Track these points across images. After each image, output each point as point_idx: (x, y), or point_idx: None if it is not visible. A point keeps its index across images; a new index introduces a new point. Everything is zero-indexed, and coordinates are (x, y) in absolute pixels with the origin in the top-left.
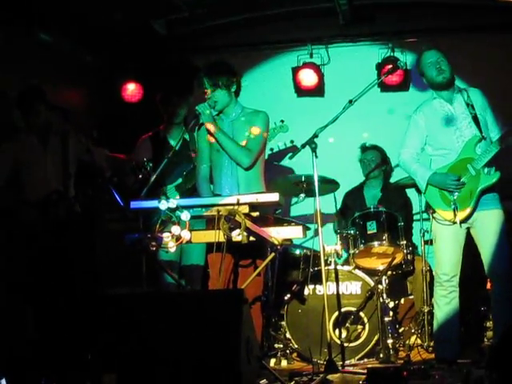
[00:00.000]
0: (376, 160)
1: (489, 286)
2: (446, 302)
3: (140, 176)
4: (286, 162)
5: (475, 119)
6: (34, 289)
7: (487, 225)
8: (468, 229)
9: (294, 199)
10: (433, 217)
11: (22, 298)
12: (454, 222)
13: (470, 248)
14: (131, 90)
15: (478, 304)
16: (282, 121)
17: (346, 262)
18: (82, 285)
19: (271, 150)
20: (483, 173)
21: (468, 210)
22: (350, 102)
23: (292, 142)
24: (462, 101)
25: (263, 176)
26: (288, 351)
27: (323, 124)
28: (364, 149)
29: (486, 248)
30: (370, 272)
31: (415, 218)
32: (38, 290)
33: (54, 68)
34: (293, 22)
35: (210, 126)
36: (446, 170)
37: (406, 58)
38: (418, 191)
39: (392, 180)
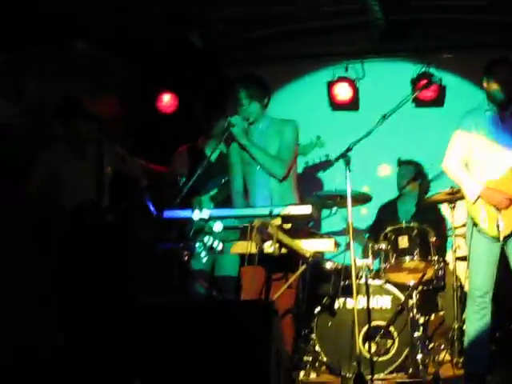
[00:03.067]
0: (409, 175)
1: None
2: (477, 318)
3: (177, 188)
4: (320, 175)
5: None
6: (65, 297)
7: None
8: (503, 245)
9: (327, 212)
10: (472, 230)
11: (52, 305)
12: (498, 239)
13: (503, 264)
14: (166, 100)
15: (509, 321)
16: (319, 137)
17: (377, 276)
18: (113, 294)
19: (306, 163)
20: None
21: (510, 229)
22: (384, 116)
23: (327, 156)
24: None
25: (296, 188)
26: (317, 364)
27: (357, 138)
28: (399, 163)
29: None
30: (401, 287)
31: (448, 233)
32: (70, 298)
33: (90, 78)
34: (328, 36)
35: (242, 139)
36: (492, 186)
37: (441, 74)
38: (451, 207)
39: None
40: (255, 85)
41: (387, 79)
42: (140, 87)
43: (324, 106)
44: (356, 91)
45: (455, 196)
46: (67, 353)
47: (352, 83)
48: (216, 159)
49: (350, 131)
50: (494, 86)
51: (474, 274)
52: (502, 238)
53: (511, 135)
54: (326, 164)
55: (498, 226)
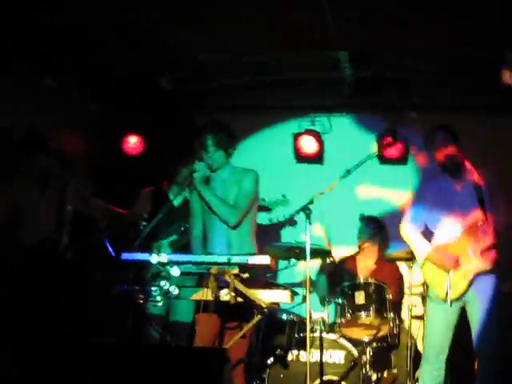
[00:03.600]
0: (369, 232)
1: (476, 365)
2: (431, 378)
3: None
4: (283, 232)
5: (481, 202)
6: (20, 334)
7: (479, 305)
8: (462, 307)
9: (284, 263)
10: (427, 293)
11: (6, 343)
12: (445, 301)
13: (461, 327)
14: (133, 142)
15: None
16: (284, 195)
17: (332, 330)
18: (67, 332)
19: (270, 220)
20: (480, 257)
21: (460, 292)
22: (348, 171)
23: (284, 196)
24: (471, 181)
25: (254, 237)
26: None
27: (320, 191)
28: (361, 219)
29: (477, 327)
30: (355, 342)
31: (405, 291)
32: (23, 334)
33: (58, 113)
34: (297, 89)
35: (199, 185)
36: (446, 247)
37: (406, 132)
38: (409, 266)
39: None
40: (223, 133)
41: (353, 134)
42: (107, 127)
43: (290, 157)
44: (321, 145)
45: (414, 255)
46: None
47: (318, 136)
48: (179, 204)
49: (315, 183)
50: (439, 155)
51: (430, 335)
52: (449, 302)
53: (465, 200)
54: (290, 222)
55: (447, 290)
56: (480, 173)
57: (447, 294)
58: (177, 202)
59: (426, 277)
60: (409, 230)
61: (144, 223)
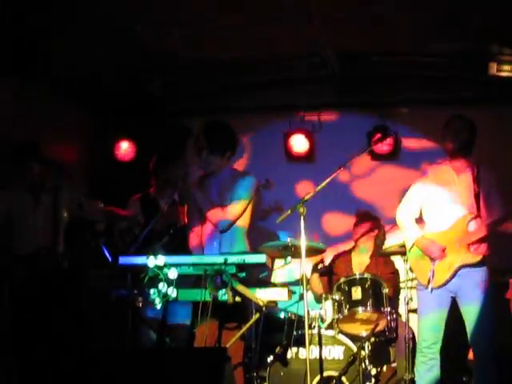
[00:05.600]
0: (364, 227)
1: (471, 355)
2: (426, 369)
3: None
4: (272, 224)
5: (477, 196)
6: (20, 342)
7: (471, 298)
8: (453, 298)
9: (281, 262)
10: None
11: (7, 351)
12: (427, 288)
13: (454, 316)
14: (124, 148)
15: (459, 374)
16: (277, 201)
17: (330, 327)
18: (66, 339)
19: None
20: (468, 250)
21: (442, 281)
22: (340, 167)
23: (277, 202)
24: (470, 174)
25: (247, 237)
26: None
27: (313, 189)
28: (356, 215)
29: (470, 318)
30: (354, 337)
31: (401, 285)
32: (23, 343)
33: (50, 121)
34: (286, 88)
35: (192, 188)
36: (435, 237)
37: (397, 128)
38: (405, 260)
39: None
40: (219, 135)
41: (344, 132)
42: (99, 134)
43: (281, 157)
44: (312, 143)
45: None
46: None
47: (308, 135)
48: (169, 206)
49: (307, 182)
50: (447, 140)
51: (421, 325)
52: (430, 289)
53: (461, 192)
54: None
55: (429, 277)
56: (477, 166)
57: (429, 281)
58: (166, 204)
59: (411, 262)
60: (402, 215)
61: (138, 228)
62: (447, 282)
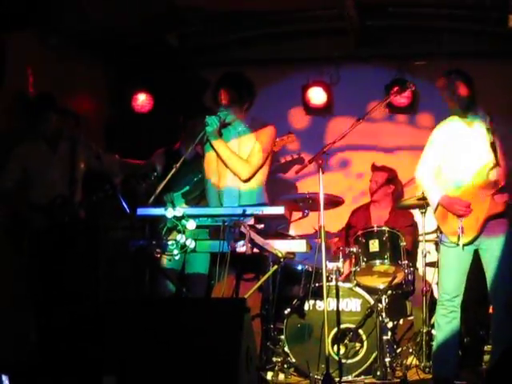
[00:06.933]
0: (381, 181)
1: (491, 309)
2: (446, 322)
3: (148, 182)
4: (291, 176)
5: (493, 145)
6: (37, 294)
7: (493, 250)
8: (476, 250)
9: (298, 215)
10: (439, 238)
11: (25, 303)
12: (458, 245)
13: (475, 270)
14: (141, 100)
15: (477, 327)
16: (290, 132)
17: (347, 279)
18: (84, 290)
19: (277, 161)
20: (492, 200)
21: (472, 236)
22: (358, 120)
23: (299, 154)
24: (483, 125)
25: (265, 189)
26: (286, 365)
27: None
28: (372, 169)
29: (491, 272)
30: (371, 290)
31: (419, 239)
32: (41, 294)
33: (66, 74)
34: (304, 41)
35: (211, 138)
36: (458, 193)
37: (415, 81)
38: (423, 213)
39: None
40: (237, 86)
41: (362, 85)
42: (116, 86)
43: (299, 110)
44: (331, 96)
45: (426, 202)
46: (40, 349)
47: (327, 87)
48: (191, 158)
49: (326, 135)
50: (447, 101)
51: (444, 278)
52: (461, 246)
53: (476, 143)
54: (298, 163)
55: (458, 235)
56: (491, 117)
57: (459, 237)
58: (189, 155)
59: (439, 222)
60: (422, 175)
61: (155, 174)
62: (476, 237)
